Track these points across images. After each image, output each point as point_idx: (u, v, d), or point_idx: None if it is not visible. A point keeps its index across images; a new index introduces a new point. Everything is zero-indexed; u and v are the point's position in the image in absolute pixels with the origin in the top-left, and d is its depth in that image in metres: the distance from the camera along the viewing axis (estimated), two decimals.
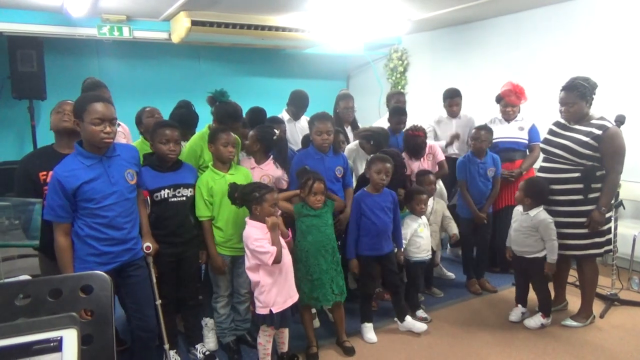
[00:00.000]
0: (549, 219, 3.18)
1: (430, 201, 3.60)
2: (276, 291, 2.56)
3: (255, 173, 3.07)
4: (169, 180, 2.69)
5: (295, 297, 2.68)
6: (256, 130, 3.16)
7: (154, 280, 2.56)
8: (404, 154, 3.79)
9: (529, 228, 3.22)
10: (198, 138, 3.08)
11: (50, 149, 2.51)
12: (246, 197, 2.58)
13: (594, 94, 3.14)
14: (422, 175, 3.64)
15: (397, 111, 4.12)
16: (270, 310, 2.56)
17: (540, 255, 3.24)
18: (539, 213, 3.20)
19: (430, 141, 4.11)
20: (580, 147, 3.09)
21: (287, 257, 2.63)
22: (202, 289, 3.08)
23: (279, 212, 2.72)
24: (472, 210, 3.86)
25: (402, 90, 6.64)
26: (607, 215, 3.17)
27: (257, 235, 2.53)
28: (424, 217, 3.45)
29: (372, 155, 3.16)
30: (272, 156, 3.21)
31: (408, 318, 3.27)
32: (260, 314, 2.60)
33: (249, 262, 2.60)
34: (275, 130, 3.19)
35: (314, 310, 3.15)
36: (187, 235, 2.78)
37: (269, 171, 3.15)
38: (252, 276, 2.60)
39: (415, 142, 3.82)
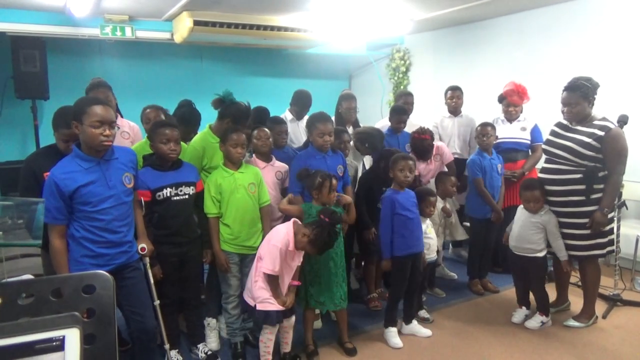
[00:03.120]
0: (555, 219, 3.19)
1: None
2: (265, 292, 2.58)
3: (268, 171, 3.12)
4: (170, 179, 2.69)
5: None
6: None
7: (152, 281, 2.56)
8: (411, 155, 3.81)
9: (536, 224, 3.21)
10: (200, 139, 3.09)
11: (55, 148, 2.51)
12: (322, 226, 2.55)
13: (596, 94, 3.14)
14: (444, 175, 3.64)
15: (397, 111, 4.10)
16: (255, 305, 2.58)
17: (540, 255, 3.24)
18: (547, 211, 3.21)
19: (437, 142, 4.11)
20: (582, 148, 3.08)
21: (289, 270, 2.63)
22: (203, 289, 3.09)
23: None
24: (493, 208, 3.80)
25: (405, 90, 6.65)
26: (610, 215, 3.16)
27: (285, 240, 2.55)
28: (429, 219, 3.45)
29: (394, 156, 3.16)
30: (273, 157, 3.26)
31: (414, 322, 3.27)
32: (248, 305, 2.64)
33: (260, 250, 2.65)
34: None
35: (317, 311, 3.14)
36: (192, 235, 2.79)
37: (279, 167, 3.24)
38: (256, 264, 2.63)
39: (422, 144, 3.83)
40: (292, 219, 2.71)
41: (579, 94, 3.09)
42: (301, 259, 2.71)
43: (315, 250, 2.58)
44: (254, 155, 3.22)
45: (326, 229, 2.55)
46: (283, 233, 2.59)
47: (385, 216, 3.06)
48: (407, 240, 3.05)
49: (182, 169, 2.77)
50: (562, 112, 3.22)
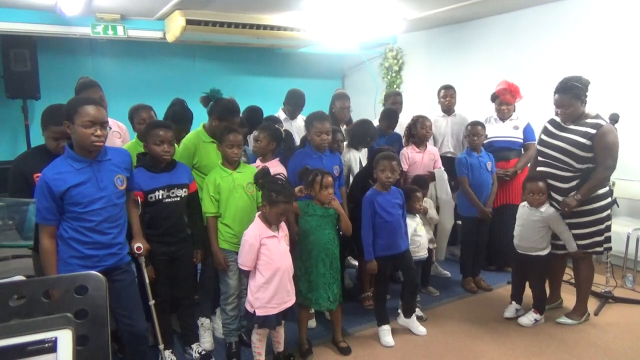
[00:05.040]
0: (557, 212, 3.18)
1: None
2: (261, 295, 2.56)
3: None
4: (163, 181, 2.67)
5: (289, 302, 2.66)
6: (268, 130, 3.19)
7: (147, 281, 2.55)
8: (410, 149, 3.91)
9: (539, 222, 3.21)
10: (192, 137, 3.08)
11: (44, 149, 2.49)
12: (266, 189, 2.57)
13: (588, 91, 3.13)
14: (418, 182, 3.65)
15: (389, 115, 4.10)
16: (254, 312, 2.57)
17: (543, 254, 3.26)
18: (549, 207, 3.21)
19: (431, 147, 4.14)
20: (576, 149, 3.07)
21: (283, 264, 2.61)
22: (197, 289, 3.08)
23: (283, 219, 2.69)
24: (477, 206, 3.83)
25: (397, 89, 6.67)
26: (604, 214, 3.18)
27: (253, 233, 2.54)
28: (419, 216, 3.46)
29: (377, 155, 3.15)
30: (278, 158, 3.25)
31: (413, 317, 3.28)
32: (247, 312, 2.64)
33: None
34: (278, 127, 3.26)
35: (312, 310, 3.14)
36: (181, 235, 2.78)
37: (272, 167, 3.16)
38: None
39: (423, 123, 3.87)
40: (256, 213, 2.69)
41: (571, 95, 3.07)
42: (287, 240, 2.69)
43: (280, 206, 2.52)
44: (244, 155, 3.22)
45: (264, 187, 2.57)
46: (252, 227, 2.60)
47: (366, 217, 3.05)
48: (384, 241, 3.05)
49: (175, 171, 2.75)
50: (556, 113, 3.22)
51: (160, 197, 2.66)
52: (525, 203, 3.34)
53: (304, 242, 2.88)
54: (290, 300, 2.66)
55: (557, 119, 3.26)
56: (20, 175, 2.41)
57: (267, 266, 2.55)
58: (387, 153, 3.15)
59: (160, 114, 3.56)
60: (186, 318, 2.99)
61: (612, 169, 3.07)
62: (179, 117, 3.37)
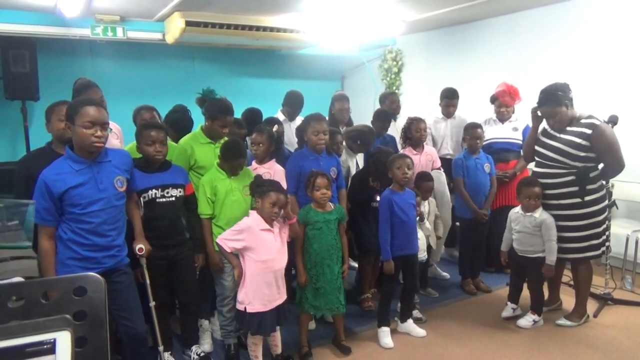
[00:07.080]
0: (551, 218, 3.19)
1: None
2: (252, 291, 2.54)
3: (258, 172, 3.10)
4: (156, 180, 2.65)
5: (279, 300, 2.64)
6: (266, 133, 3.19)
7: (148, 282, 2.55)
8: (407, 151, 3.86)
9: (535, 228, 3.22)
10: (189, 138, 3.08)
11: (49, 149, 2.47)
12: (255, 188, 2.61)
13: (570, 92, 3.13)
14: (422, 179, 3.64)
15: (382, 117, 4.09)
16: (245, 308, 2.55)
17: (542, 255, 3.26)
18: (543, 212, 3.22)
19: (429, 147, 4.13)
20: (572, 149, 3.09)
21: (278, 260, 2.61)
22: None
23: (279, 212, 2.66)
24: (471, 208, 3.84)
25: (396, 90, 6.67)
26: (602, 217, 3.18)
27: (246, 222, 2.56)
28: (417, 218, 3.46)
29: (392, 155, 3.15)
30: (274, 159, 3.26)
31: (409, 321, 3.27)
32: (239, 313, 2.61)
33: None
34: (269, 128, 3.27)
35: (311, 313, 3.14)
36: (179, 238, 2.74)
37: (270, 168, 3.20)
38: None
39: (418, 126, 3.84)
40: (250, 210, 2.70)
41: (553, 104, 3.11)
42: (286, 236, 2.69)
43: (271, 195, 2.55)
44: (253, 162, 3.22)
45: (255, 187, 2.64)
46: (247, 217, 2.62)
47: (384, 217, 3.04)
48: (399, 241, 3.05)
49: (169, 171, 2.74)
50: (548, 124, 3.24)
51: (154, 196, 2.64)
52: (518, 209, 3.35)
53: (308, 250, 2.88)
54: (280, 298, 2.65)
55: None
56: (27, 176, 2.38)
57: (259, 255, 2.53)
58: (401, 153, 3.19)
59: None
60: (189, 322, 2.98)
61: (622, 164, 3.09)
62: (180, 126, 3.37)
